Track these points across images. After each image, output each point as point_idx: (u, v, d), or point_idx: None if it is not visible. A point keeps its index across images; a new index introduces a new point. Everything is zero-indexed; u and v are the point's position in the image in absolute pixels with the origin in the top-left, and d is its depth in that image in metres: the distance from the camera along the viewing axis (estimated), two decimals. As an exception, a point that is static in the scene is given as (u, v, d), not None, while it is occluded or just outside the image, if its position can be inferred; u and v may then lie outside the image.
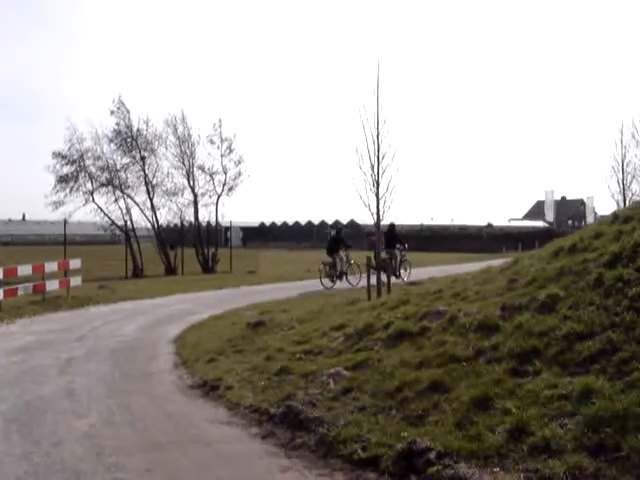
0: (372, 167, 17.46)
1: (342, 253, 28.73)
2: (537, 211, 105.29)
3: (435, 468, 6.56)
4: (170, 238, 45.22)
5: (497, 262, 16.14)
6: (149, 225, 44.47)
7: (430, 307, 11.64)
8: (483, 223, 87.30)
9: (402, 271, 28.32)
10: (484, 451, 6.63)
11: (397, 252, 27.91)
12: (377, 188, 17.51)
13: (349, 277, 28.17)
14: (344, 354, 10.89)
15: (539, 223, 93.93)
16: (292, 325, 14.45)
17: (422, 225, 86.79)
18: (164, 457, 7.68)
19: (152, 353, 14.00)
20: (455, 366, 8.82)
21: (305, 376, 10.16)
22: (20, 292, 21.84)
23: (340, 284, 26.68)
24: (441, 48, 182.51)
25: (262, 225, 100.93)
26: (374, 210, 17.71)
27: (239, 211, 70.66)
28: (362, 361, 10.12)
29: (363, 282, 20.86)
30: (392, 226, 27.87)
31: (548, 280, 10.38)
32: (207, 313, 19.28)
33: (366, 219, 20.43)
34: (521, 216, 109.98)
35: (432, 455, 6.77)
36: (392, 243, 27.60)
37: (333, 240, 30.21)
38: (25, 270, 22.46)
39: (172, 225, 46.55)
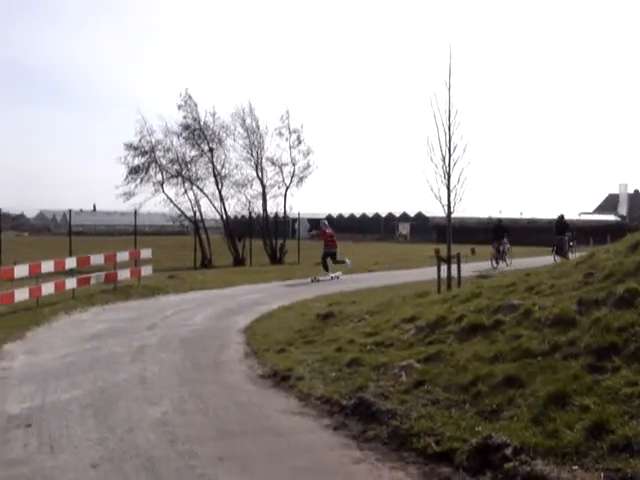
0: (443, 159, 17.26)
1: (505, 239, 34.54)
2: (609, 205, 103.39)
3: (511, 464, 6.44)
4: (238, 229, 45.43)
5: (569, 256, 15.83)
6: (218, 216, 44.76)
7: (503, 300, 11.46)
8: (553, 216, 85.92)
9: (507, 258, 33.79)
10: (562, 448, 6.48)
11: (566, 238, 33.18)
12: (448, 180, 17.30)
13: (507, 259, 33.88)
14: (416, 346, 10.79)
15: (610, 217, 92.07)
16: (362, 317, 14.39)
17: (490, 218, 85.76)
18: (236, 446, 7.70)
19: (222, 342, 14.08)
20: (530, 361, 8.66)
21: (376, 368, 10.10)
22: (92, 281, 22.24)
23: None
24: (514, 38, 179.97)
25: (329, 217, 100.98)
26: (445, 202, 17.51)
27: (306, 203, 70.99)
28: (434, 354, 10.01)
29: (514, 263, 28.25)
30: (561, 217, 35.19)
31: (626, 274, 10.12)
32: (276, 304, 19.35)
33: (434, 211, 20.26)
34: (592, 210, 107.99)
35: (508, 451, 6.65)
36: (562, 231, 33.40)
37: (498, 228, 35.73)
38: (97, 259, 22.84)
39: (240, 216, 46.79)
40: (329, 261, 29.41)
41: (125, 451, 7.52)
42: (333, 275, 28.74)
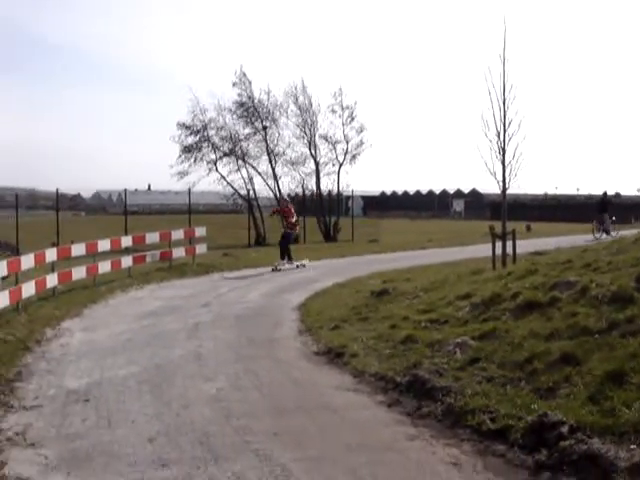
0: (498, 134, 17.04)
1: (607, 213, 34.35)
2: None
3: (567, 442, 6.35)
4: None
5: (627, 233, 15.58)
6: (271, 194, 44.89)
7: (560, 277, 11.33)
8: (610, 192, 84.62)
9: (612, 231, 33.38)
10: (619, 427, 6.39)
11: (607, 215, 34.05)
12: (503, 155, 17.09)
13: (611, 232, 33.03)
14: (470, 324, 10.72)
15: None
16: (417, 294, 14.33)
17: (546, 194, 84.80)
18: (291, 422, 7.75)
19: (276, 320, 14.15)
20: (587, 338, 8.55)
21: (431, 345, 10.06)
22: (148, 259, 22.49)
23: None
24: (569, 8, 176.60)
25: (383, 194, 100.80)
26: (500, 178, 17.31)
27: (360, 180, 70.61)
28: (489, 331, 9.93)
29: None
30: (605, 194, 36.99)
31: (687, 251, 9.94)
32: (330, 281, 19.34)
33: (488, 188, 20.02)
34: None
35: (564, 429, 6.56)
36: (604, 208, 34.36)
37: (601, 202, 35.70)
38: (153, 238, 23.09)
39: (294, 195, 46.86)
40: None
41: (181, 426, 7.62)
42: (298, 263, 24.66)
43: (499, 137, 17.02)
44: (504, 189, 17.63)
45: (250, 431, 7.42)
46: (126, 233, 27.72)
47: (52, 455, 6.85)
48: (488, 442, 6.85)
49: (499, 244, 17.88)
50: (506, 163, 17.06)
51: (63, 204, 50.68)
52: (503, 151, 17.07)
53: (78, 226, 45.10)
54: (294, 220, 25.49)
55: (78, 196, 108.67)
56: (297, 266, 24.26)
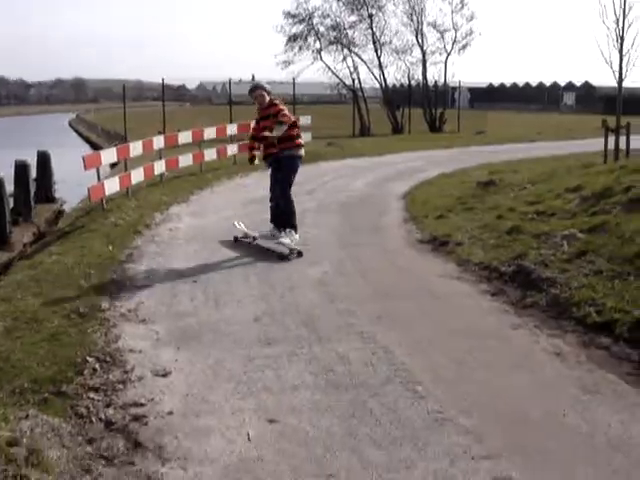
0: (617, 21, 16.32)
1: None
2: None
3: (677, 337, 6.24)
4: (397, 99, 44.93)
5: None
6: (376, 84, 44.38)
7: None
8: None
9: None
10: None
11: None
12: (621, 44, 16.43)
13: None
14: (579, 217, 10.46)
15: None
16: (524, 186, 14.03)
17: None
18: (394, 306, 7.80)
19: (381, 208, 14.15)
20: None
21: (537, 236, 9.88)
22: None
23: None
24: None
25: (490, 86, 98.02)
26: (616, 68, 16.65)
27: (467, 72, 68.84)
28: (598, 225, 9.66)
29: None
30: None
31: None
32: (436, 171, 19.15)
33: (602, 81, 19.28)
34: None
35: (674, 324, 6.44)
36: None
37: None
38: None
39: (399, 85, 46.21)
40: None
41: (286, 307, 7.78)
42: (285, 240, 10.80)
43: (617, 24, 16.31)
44: (620, 79, 17.00)
45: (354, 314, 7.53)
46: (231, 122, 27.82)
47: (162, 331, 7.11)
48: (593, 334, 6.75)
49: (612, 139, 17.28)
50: (624, 52, 16.39)
51: (168, 95, 51.26)
52: (621, 39, 16.39)
53: (184, 116, 45.66)
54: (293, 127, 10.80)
55: (183, 87, 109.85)
56: (289, 253, 10.34)
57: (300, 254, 10.18)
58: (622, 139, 16.89)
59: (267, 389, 5.68)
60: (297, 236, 10.77)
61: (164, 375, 6.01)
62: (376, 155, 24.38)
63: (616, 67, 16.56)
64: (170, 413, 5.29)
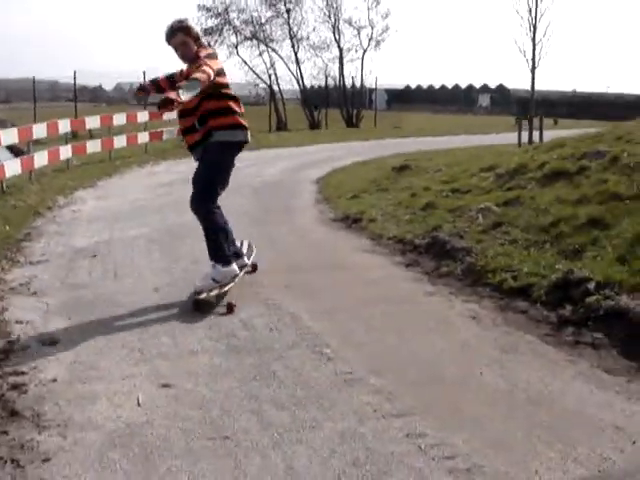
0: (529, 10, 16.46)
1: None
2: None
3: (594, 298, 5.99)
4: (314, 99, 44.71)
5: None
6: (294, 81, 44.13)
7: (589, 148, 10.82)
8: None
9: None
10: (650, 285, 6.02)
11: None
12: (534, 32, 16.60)
13: None
14: (494, 192, 10.30)
15: None
16: (439, 168, 13.88)
17: (575, 91, 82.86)
18: (303, 278, 7.44)
19: (294, 192, 13.79)
20: (617, 204, 8.13)
21: (452, 211, 9.68)
22: (165, 136, 22.01)
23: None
24: None
25: (407, 88, 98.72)
26: (529, 56, 16.70)
27: (384, 74, 69.09)
28: (513, 198, 9.52)
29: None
30: None
31: None
32: (351, 160, 18.91)
33: (516, 84, 19.41)
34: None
35: (591, 285, 6.21)
36: None
37: None
38: (171, 115, 22.56)
39: (317, 86, 46.09)
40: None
41: (188, 279, 7.29)
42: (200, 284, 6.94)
43: (530, 13, 16.38)
44: (533, 67, 17.03)
45: (260, 284, 7.13)
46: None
47: (54, 302, 6.59)
48: (509, 299, 6.51)
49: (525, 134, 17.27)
50: (537, 40, 16.45)
51: (84, 96, 50.21)
52: (534, 28, 16.50)
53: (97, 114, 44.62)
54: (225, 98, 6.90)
55: (99, 88, 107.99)
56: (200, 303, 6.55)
57: (231, 309, 6.24)
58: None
59: (162, 355, 5.24)
60: (231, 266, 6.79)
61: (51, 344, 5.51)
62: (292, 147, 24.04)
63: (529, 55, 16.62)
64: (53, 380, 4.80)
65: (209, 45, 7.57)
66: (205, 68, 6.09)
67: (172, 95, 5.61)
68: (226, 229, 6.99)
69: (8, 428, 4.15)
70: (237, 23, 42.66)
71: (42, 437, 4.05)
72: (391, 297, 6.75)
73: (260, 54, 42.85)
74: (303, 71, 43.91)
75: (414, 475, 3.61)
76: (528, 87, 15.40)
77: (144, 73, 36.32)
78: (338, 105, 44.24)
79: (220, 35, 42.13)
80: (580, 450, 3.85)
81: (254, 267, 7.56)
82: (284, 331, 5.76)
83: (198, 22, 41.72)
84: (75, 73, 36.54)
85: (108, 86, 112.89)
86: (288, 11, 42.73)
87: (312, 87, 45.89)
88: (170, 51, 6.72)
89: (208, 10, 42.10)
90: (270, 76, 42.69)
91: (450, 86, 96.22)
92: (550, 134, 20.02)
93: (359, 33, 44.68)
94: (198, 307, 6.33)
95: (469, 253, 7.74)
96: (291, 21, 42.96)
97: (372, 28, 44.58)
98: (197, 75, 5.97)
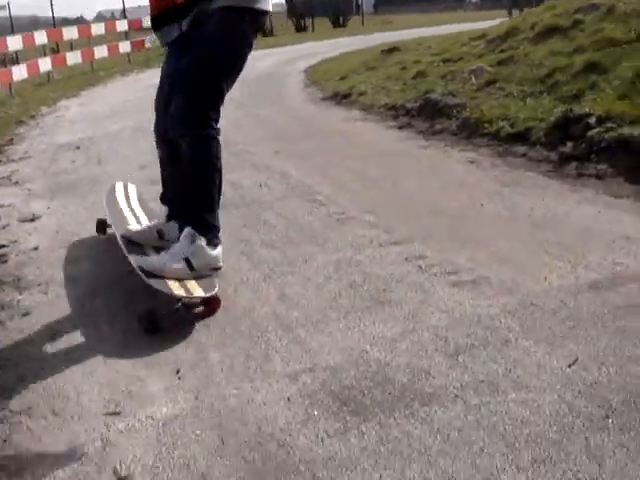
0: None
1: None
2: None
3: (596, 131, 5.73)
4: (300, 8, 43.54)
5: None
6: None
7: (583, 3, 10.40)
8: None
9: None
10: (653, 117, 5.75)
11: None
12: None
13: None
14: (486, 56, 9.95)
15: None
16: (429, 45, 13.49)
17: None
18: (293, 145, 7.22)
19: (282, 81, 13.45)
20: (614, 49, 7.79)
21: (444, 76, 9.36)
22: (147, 44, 21.42)
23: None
24: None
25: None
26: None
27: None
28: (507, 58, 9.19)
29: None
30: None
31: None
32: (339, 52, 18.43)
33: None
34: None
35: (592, 120, 5.93)
36: None
37: None
38: (149, 22, 22.00)
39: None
40: None
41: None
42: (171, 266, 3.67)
43: None
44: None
45: (248, 152, 6.91)
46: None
47: (37, 188, 6.35)
48: (507, 145, 6.29)
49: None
50: None
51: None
52: None
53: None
54: None
55: (81, 18, 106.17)
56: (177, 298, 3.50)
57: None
58: None
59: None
60: (216, 251, 3.71)
61: (32, 220, 5.29)
62: (278, 46, 23.49)
63: None
64: (35, 249, 4.59)
65: None
66: None
67: None
68: (215, 180, 3.85)
69: (-12, 294, 3.96)
70: None
71: (23, 296, 3.85)
72: (384, 152, 6.52)
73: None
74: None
75: (415, 289, 3.41)
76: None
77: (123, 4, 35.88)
78: (324, 12, 43.15)
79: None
80: (591, 258, 3.64)
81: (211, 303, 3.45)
82: (274, 187, 5.55)
83: None
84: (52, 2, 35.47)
85: (89, 16, 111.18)
86: None
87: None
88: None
89: None
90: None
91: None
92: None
93: None
94: (151, 316, 3.27)
95: (463, 109, 7.48)
96: None
97: None
98: None
